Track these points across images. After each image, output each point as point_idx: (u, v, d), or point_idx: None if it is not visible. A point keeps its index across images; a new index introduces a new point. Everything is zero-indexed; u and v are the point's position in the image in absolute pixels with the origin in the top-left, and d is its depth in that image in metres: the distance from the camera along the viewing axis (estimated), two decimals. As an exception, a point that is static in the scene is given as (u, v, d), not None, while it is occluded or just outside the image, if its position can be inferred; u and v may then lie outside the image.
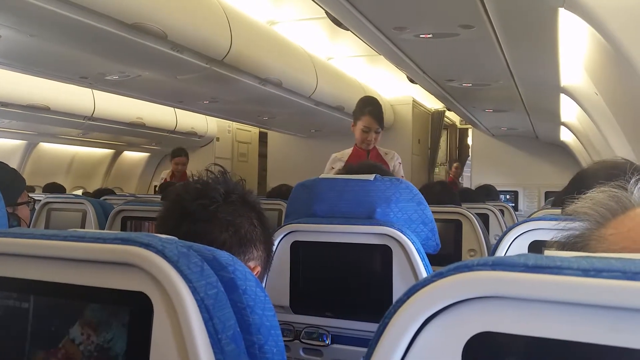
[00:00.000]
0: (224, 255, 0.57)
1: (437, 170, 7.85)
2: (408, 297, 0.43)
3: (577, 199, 0.64)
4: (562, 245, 0.61)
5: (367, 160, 2.04)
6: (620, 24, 1.57)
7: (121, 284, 0.53)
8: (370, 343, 0.44)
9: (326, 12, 2.76)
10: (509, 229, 1.27)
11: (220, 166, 0.93)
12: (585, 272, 0.38)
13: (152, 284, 0.52)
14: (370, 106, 2.95)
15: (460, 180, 7.67)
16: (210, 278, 0.53)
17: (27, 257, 0.59)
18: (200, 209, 0.88)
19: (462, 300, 0.41)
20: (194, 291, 0.50)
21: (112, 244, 0.54)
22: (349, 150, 3.02)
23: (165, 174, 5.45)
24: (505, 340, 0.39)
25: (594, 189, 0.64)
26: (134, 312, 0.53)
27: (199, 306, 0.50)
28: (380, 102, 3.02)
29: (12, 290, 0.59)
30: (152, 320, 0.51)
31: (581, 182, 1.31)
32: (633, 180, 0.63)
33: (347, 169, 1.67)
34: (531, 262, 0.40)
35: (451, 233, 2.29)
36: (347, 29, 2.90)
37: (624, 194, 0.61)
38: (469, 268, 0.41)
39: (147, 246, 0.52)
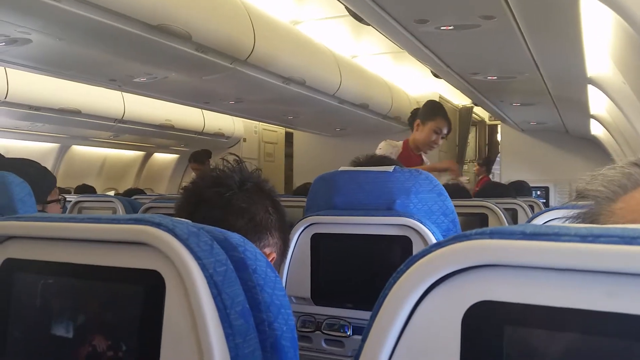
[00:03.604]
0: (235, 237, 0.58)
1: (466, 167, 7.74)
2: (407, 268, 0.44)
3: (589, 176, 0.63)
4: (572, 222, 0.60)
5: (374, 154, 2.01)
6: (643, 7, 1.53)
7: (135, 263, 0.55)
8: (370, 315, 0.45)
9: (346, 8, 2.76)
10: (531, 219, 1.25)
11: (236, 155, 0.95)
12: (583, 238, 0.38)
13: (164, 261, 0.53)
14: (442, 110, 2.94)
15: (490, 177, 7.55)
16: (220, 256, 0.54)
17: (46, 240, 0.61)
18: (215, 196, 0.90)
19: (461, 269, 0.41)
20: (203, 268, 0.52)
21: (126, 224, 0.56)
22: (399, 146, 2.94)
23: (194, 175, 5.53)
24: (504, 309, 0.39)
25: (607, 167, 0.63)
26: (148, 289, 0.55)
27: (208, 282, 0.51)
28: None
29: (33, 272, 0.62)
30: (164, 296, 0.53)
31: None
32: None
33: (356, 163, 1.66)
34: (529, 230, 0.40)
35: (477, 227, 2.25)
36: (369, 24, 2.89)
37: (637, 170, 0.60)
38: (467, 237, 0.41)
39: (158, 225, 0.54)
